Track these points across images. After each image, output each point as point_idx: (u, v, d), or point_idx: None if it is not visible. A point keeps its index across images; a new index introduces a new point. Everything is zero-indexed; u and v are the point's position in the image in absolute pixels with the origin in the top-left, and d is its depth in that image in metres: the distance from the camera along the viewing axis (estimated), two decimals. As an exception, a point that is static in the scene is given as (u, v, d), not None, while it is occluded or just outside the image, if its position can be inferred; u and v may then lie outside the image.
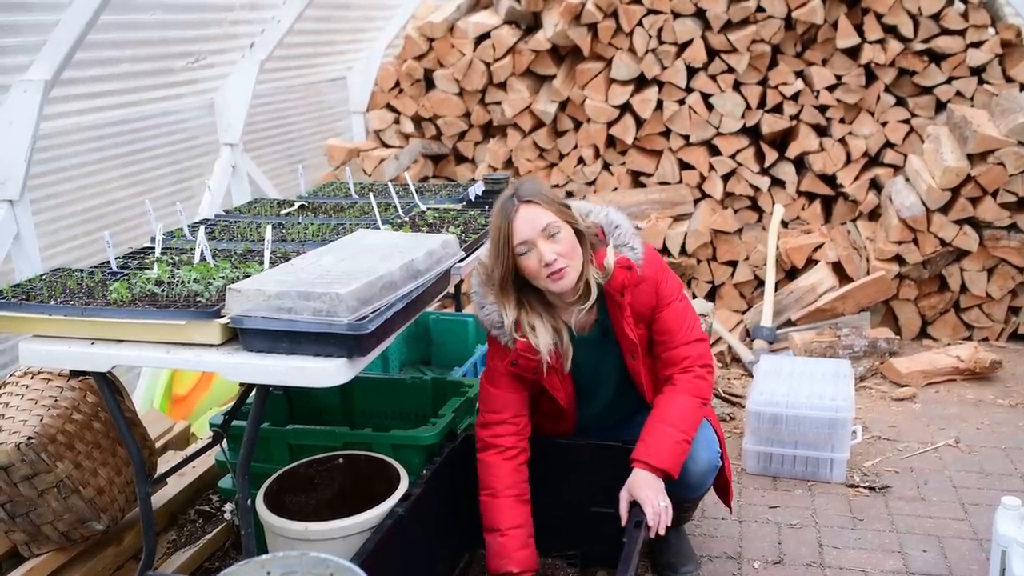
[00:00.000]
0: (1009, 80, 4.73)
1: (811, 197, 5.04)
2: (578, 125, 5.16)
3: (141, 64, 3.78)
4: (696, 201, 5.04)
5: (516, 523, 2.34)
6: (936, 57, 4.78)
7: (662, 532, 2.21)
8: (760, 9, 4.75)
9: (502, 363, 2.34)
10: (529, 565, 2.34)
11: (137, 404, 3.42)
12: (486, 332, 2.36)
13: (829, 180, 4.97)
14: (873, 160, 4.97)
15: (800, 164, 5.02)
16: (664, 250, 4.80)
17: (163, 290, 2.14)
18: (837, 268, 4.68)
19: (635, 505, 2.24)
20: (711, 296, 4.96)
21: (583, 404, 2.51)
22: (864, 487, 3.18)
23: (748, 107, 4.89)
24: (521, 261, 2.19)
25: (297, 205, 3.25)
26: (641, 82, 5.00)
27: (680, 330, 2.37)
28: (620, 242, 2.30)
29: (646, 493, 2.21)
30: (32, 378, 2.58)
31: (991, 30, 4.74)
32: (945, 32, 4.71)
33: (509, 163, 5.28)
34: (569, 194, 5.19)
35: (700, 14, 4.83)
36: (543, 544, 2.54)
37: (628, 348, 2.36)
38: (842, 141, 4.90)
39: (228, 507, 2.93)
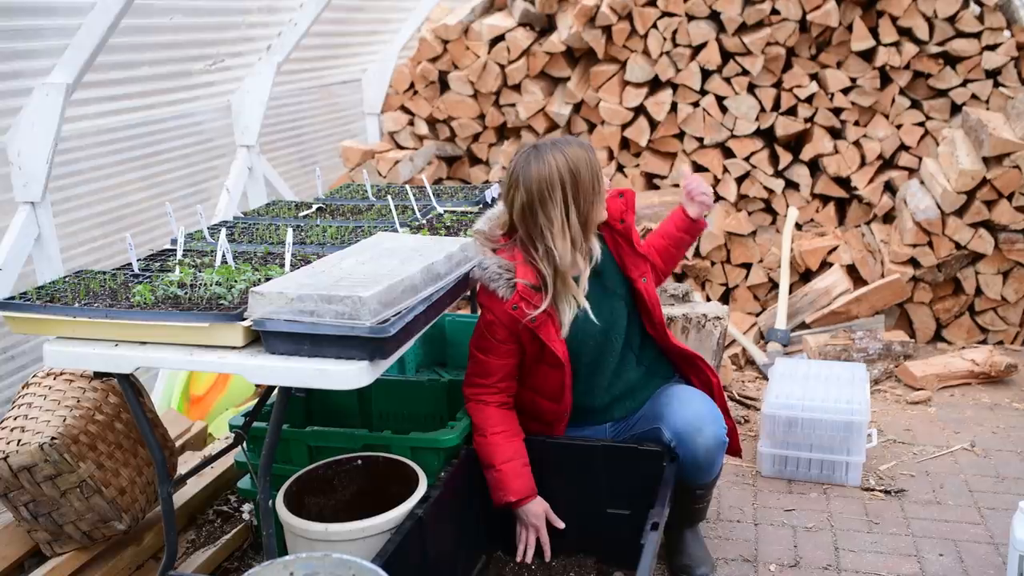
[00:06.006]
0: (1025, 83, 4.72)
1: (825, 200, 5.03)
2: (592, 127, 5.17)
3: (160, 67, 3.81)
4: (710, 203, 5.04)
5: (507, 457, 2.46)
6: (951, 60, 4.77)
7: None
8: (775, 11, 4.75)
9: (497, 321, 2.40)
10: (525, 492, 2.47)
11: (156, 404, 3.44)
12: (478, 294, 2.45)
13: (843, 183, 4.96)
14: (888, 163, 4.96)
15: (814, 167, 5.02)
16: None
17: (186, 292, 2.17)
18: (851, 271, 4.68)
19: (649, 507, 2.25)
20: (725, 298, 4.96)
21: (590, 375, 2.54)
22: (880, 491, 3.18)
23: (762, 109, 4.89)
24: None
25: (315, 207, 3.26)
26: (655, 84, 5.01)
27: None
28: None
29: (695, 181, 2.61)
30: (55, 379, 2.60)
31: (1007, 33, 4.71)
32: (960, 35, 4.69)
33: (523, 165, 5.27)
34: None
35: (715, 16, 4.84)
36: (560, 545, 2.56)
37: (639, 271, 2.51)
38: (857, 144, 4.89)
39: (247, 507, 2.95)
